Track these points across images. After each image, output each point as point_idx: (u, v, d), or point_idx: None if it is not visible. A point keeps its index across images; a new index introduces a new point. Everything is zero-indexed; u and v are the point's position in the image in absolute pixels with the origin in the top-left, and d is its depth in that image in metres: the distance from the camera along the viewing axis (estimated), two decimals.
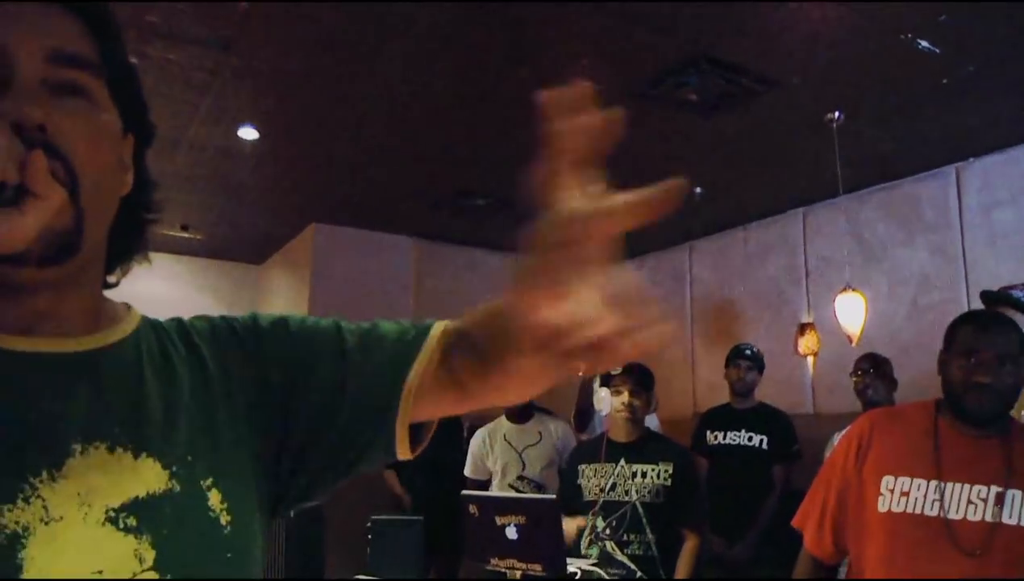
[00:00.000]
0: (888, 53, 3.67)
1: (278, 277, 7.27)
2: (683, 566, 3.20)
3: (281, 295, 7.09)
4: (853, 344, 4.53)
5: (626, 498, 3.29)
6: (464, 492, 3.11)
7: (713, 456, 4.56)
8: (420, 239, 6.84)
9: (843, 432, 3.91)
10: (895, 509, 1.92)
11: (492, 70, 3.88)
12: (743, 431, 4.52)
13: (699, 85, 3.90)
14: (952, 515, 1.86)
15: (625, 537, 3.25)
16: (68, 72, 0.71)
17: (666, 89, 3.97)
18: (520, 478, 4.33)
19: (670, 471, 3.29)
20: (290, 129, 4.62)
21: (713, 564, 4.23)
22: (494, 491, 4.23)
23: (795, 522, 2.23)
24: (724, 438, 4.55)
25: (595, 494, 3.37)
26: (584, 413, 4.78)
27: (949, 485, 1.90)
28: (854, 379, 4.00)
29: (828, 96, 4.14)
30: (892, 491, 1.95)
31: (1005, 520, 1.83)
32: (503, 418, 4.53)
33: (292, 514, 3.32)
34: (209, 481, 0.73)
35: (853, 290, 4.57)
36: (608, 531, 3.29)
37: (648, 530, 3.23)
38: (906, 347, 5.13)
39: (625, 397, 3.33)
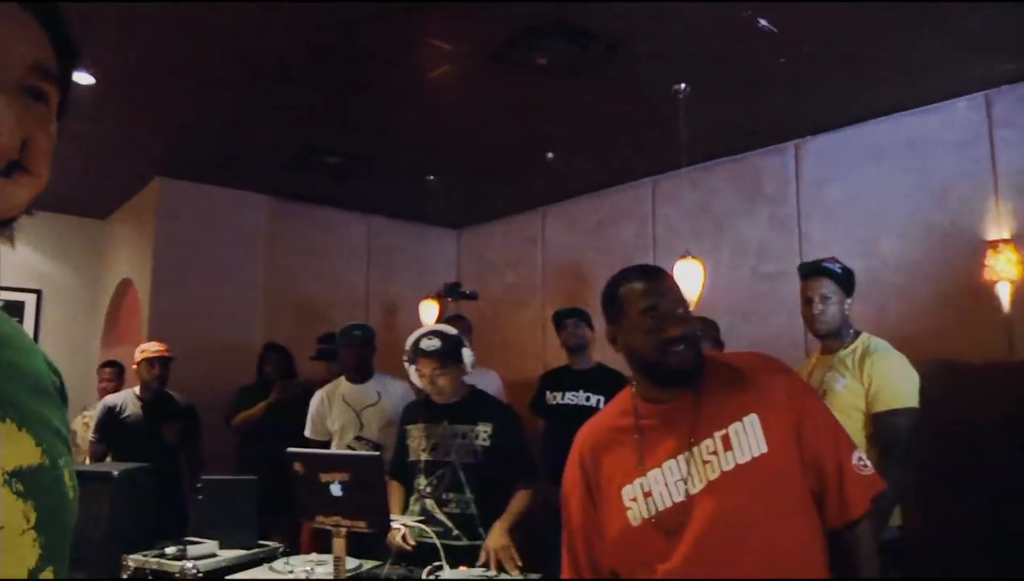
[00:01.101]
0: (731, 28, 3.77)
1: (123, 233, 6.93)
2: (513, 505, 3.26)
3: (125, 251, 6.76)
4: (691, 309, 4.67)
5: (447, 458, 3.32)
6: (289, 449, 3.04)
7: (551, 415, 4.64)
8: (272, 197, 6.64)
9: None
10: (646, 515, 1.80)
11: (346, 27, 3.79)
12: (581, 391, 4.60)
13: (549, 49, 3.92)
14: (693, 489, 1.76)
15: (445, 496, 3.29)
16: (42, 83, 0.80)
17: (518, 52, 3.97)
18: (358, 438, 4.30)
19: (489, 432, 3.33)
20: (132, 77, 4.37)
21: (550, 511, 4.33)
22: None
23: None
24: (562, 398, 4.63)
25: (419, 454, 3.40)
26: None
27: (654, 472, 1.81)
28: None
29: (675, 67, 4.23)
30: (636, 500, 1.82)
31: (739, 460, 1.73)
32: (343, 378, 4.49)
33: (116, 473, 3.21)
34: (63, 461, 0.81)
35: (692, 257, 4.72)
36: (429, 489, 3.32)
37: (467, 489, 3.27)
38: (746, 313, 5.37)
39: (428, 380, 3.34)
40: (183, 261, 6.10)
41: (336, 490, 2.77)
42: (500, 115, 4.92)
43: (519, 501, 3.28)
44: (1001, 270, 4.25)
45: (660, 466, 1.81)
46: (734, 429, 1.77)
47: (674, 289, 1.91)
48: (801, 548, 1.74)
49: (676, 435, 1.82)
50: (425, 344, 3.31)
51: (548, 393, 4.73)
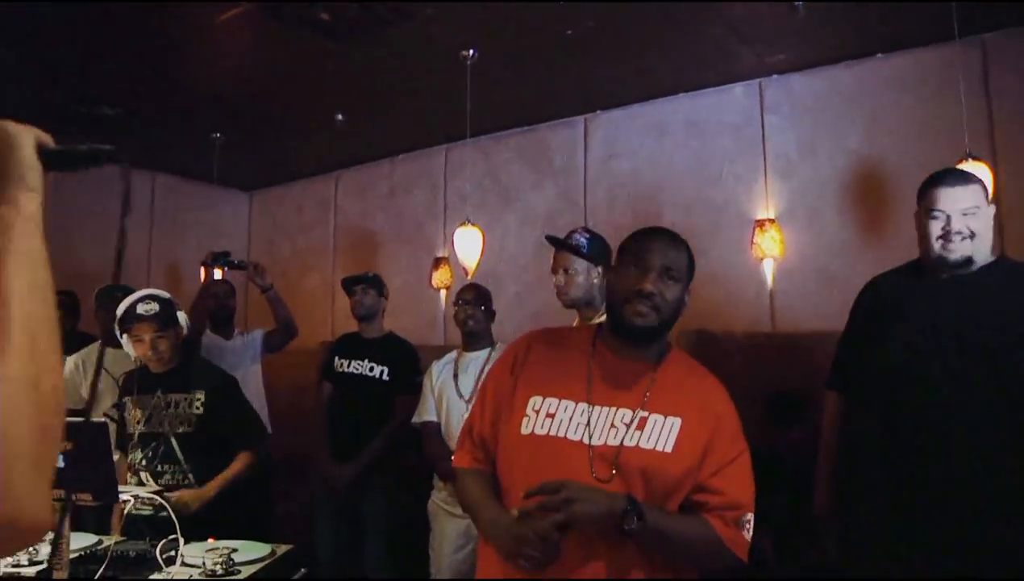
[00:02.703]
0: None
1: None
2: (228, 470, 3.18)
3: None
4: (468, 277, 4.68)
5: (160, 429, 3.20)
6: None
7: (338, 382, 4.52)
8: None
9: (440, 360, 4.06)
10: (538, 432, 1.83)
11: None
12: (366, 361, 4.49)
13: (332, 6, 3.77)
14: (595, 441, 1.79)
15: (159, 468, 3.19)
16: None
17: (298, 7, 3.79)
18: (116, 406, 4.05)
19: (202, 399, 3.23)
20: None
21: (326, 484, 4.24)
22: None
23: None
24: (349, 366, 4.50)
25: (134, 427, 3.26)
26: None
27: (597, 408, 1.83)
28: (456, 309, 4.10)
29: (464, 33, 4.17)
30: (538, 412, 1.85)
31: (642, 444, 1.78)
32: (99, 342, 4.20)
33: None
34: None
35: (471, 224, 4.71)
36: (144, 462, 3.20)
37: (183, 460, 3.17)
38: (531, 283, 5.44)
39: (148, 345, 3.18)
40: None
41: (59, 460, 2.52)
42: (289, 74, 4.71)
43: (235, 465, 3.20)
44: (767, 247, 4.50)
45: (576, 402, 1.85)
46: (655, 418, 1.82)
47: (671, 257, 1.89)
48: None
49: (607, 387, 1.87)
50: (142, 308, 3.15)
51: (337, 359, 4.58)
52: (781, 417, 3.94)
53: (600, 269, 3.13)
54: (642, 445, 1.78)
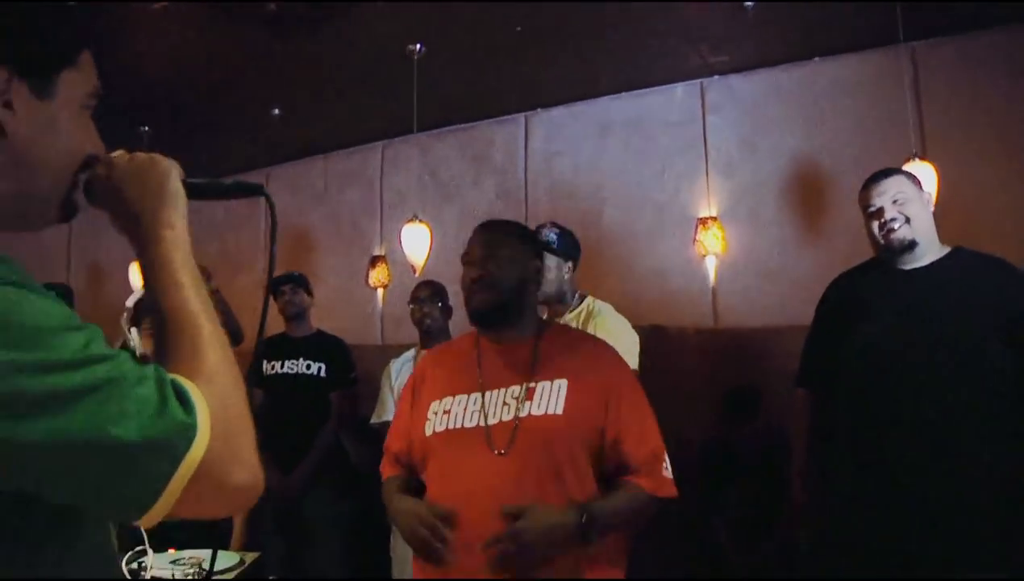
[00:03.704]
0: None
1: None
2: None
3: None
4: (416, 274, 4.63)
5: None
6: None
7: (271, 385, 4.37)
8: None
9: (398, 358, 4.01)
10: (438, 429, 1.97)
11: None
12: (301, 359, 4.39)
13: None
14: (491, 421, 1.92)
15: None
16: None
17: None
18: None
19: None
20: None
21: (269, 499, 4.10)
22: None
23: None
24: (281, 367, 4.37)
25: None
26: None
27: (489, 393, 1.97)
28: (411, 307, 4.05)
29: (410, 27, 4.11)
30: (437, 413, 2.00)
31: (533, 412, 1.90)
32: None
33: None
34: None
35: (420, 221, 4.66)
36: None
37: None
38: None
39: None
40: None
41: None
42: (224, 67, 4.57)
43: None
44: (709, 245, 4.55)
45: (469, 393, 2.00)
46: (542, 385, 1.95)
47: (487, 240, 2.13)
48: (561, 499, 1.86)
49: (494, 371, 2.02)
50: None
51: (266, 363, 4.43)
52: (734, 411, 3.99)
53: (570, 264, 3.12)
54: (534, 412, 1.91)
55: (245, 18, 3.90)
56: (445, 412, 1.99)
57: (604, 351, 2.13)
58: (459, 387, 2.03)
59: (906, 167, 3.29)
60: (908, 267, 2.67)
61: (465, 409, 1.97)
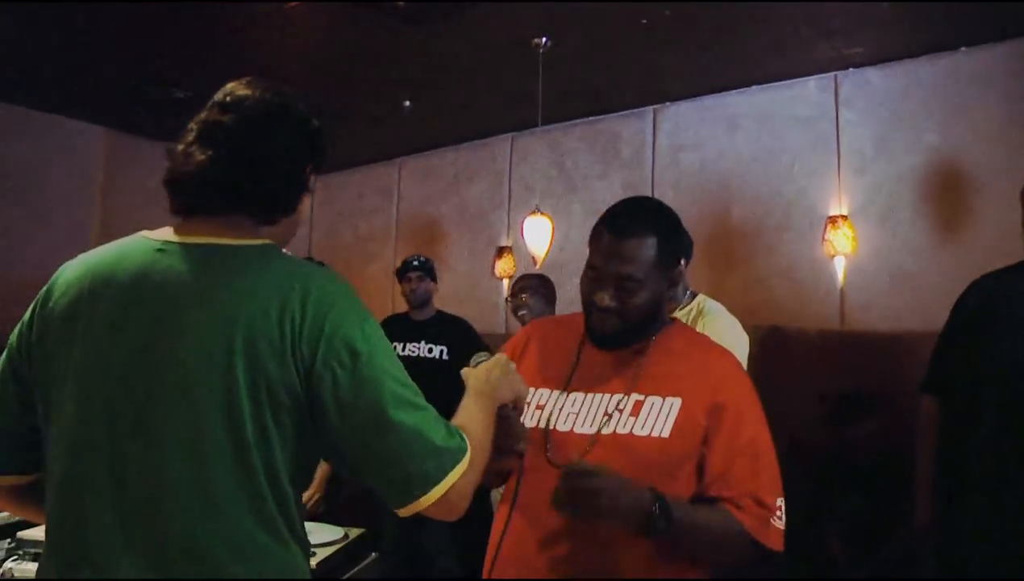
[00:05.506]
0: None
1: None
2: None
3: None
4: (537, 266, 4.67)
5: None
6: None
7: None
8: (112, 130, 6.22)
9: None
10: (528, 424, 1.74)
11: None
12: (423, 342, 4.45)
13: None
14: (579, 430, 1.73)
15: None
16: None
17: None
18: None
19: None
20: None
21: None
22: None
23: None
24: (403, 350, 4.43)
25: None
26: None
27: (583, 395, 1.77)
28: (508, 300, 4.05)
29: (538, 21, 4.14)
30: (530, 405, 1.80)
31: (636, 432, 1.68)
32: None
33: None
34: None
35: (541, 213, 4.69)
36: None
37: None
38: None
39: None
40: (9, 192, 5.64)
41: None
42: (356, 58, 4.72)
43: None
44: (838, 245, 4.43)
45: (568, 392, 1.80)
46: (651, 401, 1.72)
47: (626, 255, 1.73)
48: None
49: (598, 375, 1.80)
50: None
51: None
52: (852, 416, 3.88)
53: (684, 261, 3.10)
54: (636, 432, 1.69)
55: (374, 15, 4.02)
56: (538, 407, 1.81)
57: (727, 365, 1.82)
58: (551, 380, 1.84)
59: None
60: None
61: (559, 410, 1.78)
